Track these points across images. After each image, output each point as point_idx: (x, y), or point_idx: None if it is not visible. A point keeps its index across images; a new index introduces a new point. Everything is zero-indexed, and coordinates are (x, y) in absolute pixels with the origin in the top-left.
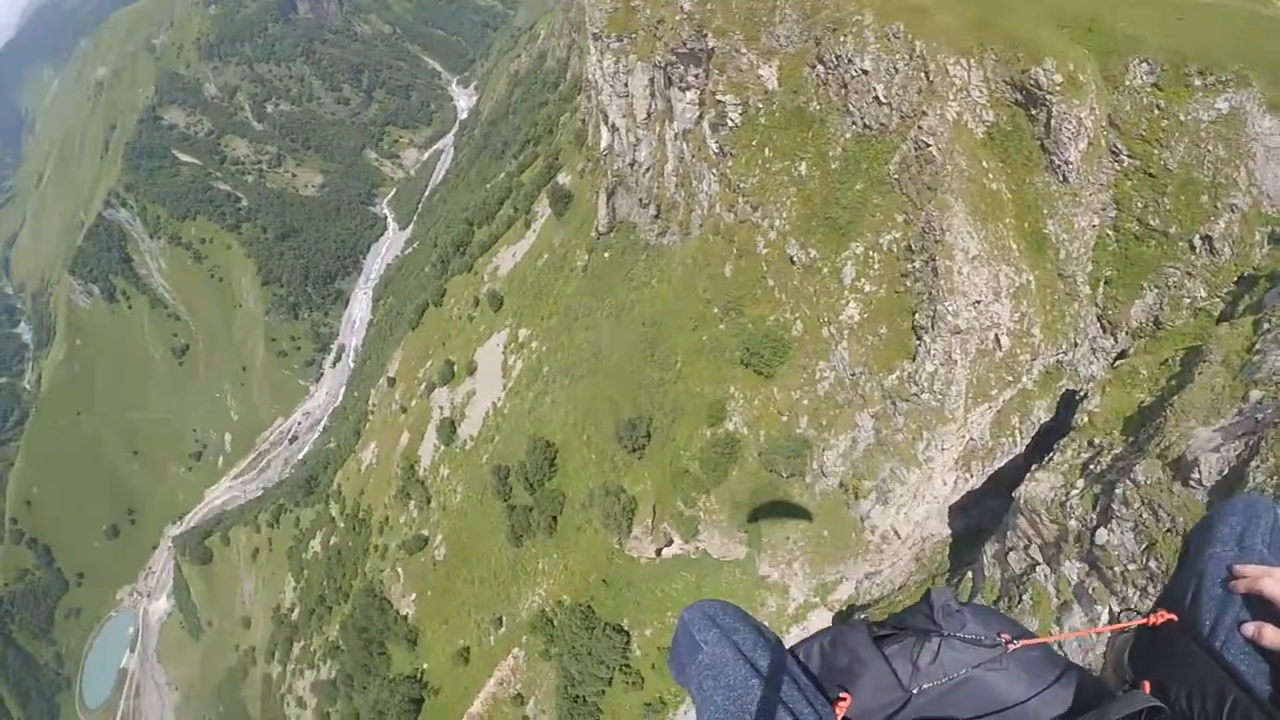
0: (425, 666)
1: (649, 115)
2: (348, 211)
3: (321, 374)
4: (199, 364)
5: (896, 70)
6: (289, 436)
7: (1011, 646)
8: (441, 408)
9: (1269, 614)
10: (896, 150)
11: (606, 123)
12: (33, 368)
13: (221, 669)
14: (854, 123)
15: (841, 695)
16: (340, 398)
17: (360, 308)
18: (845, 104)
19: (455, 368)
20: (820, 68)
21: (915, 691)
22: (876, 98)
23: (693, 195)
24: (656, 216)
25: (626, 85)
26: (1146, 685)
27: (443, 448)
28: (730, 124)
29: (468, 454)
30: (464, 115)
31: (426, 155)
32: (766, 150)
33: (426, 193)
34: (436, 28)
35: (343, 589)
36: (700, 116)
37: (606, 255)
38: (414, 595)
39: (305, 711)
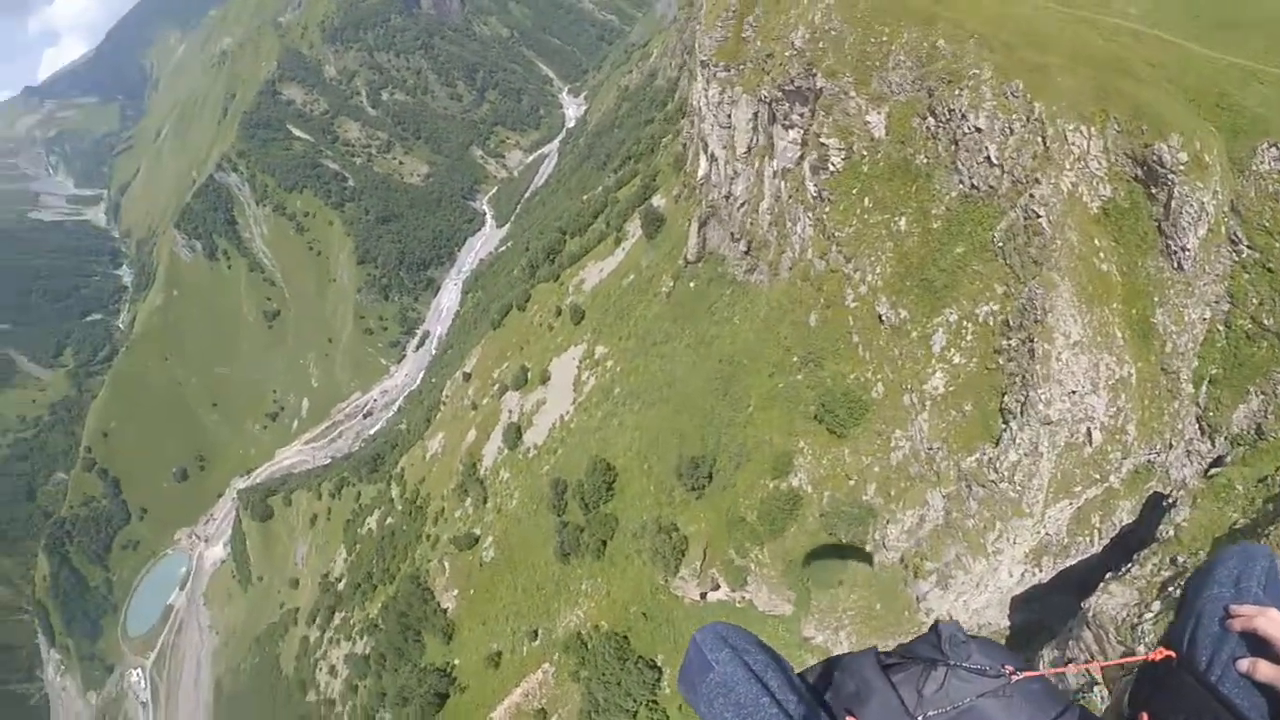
0: (456, 662)
1: (749, 149)
2: (448, 204)
3: (403, 356)
4: (288, 330)
5: (1012, 131)
6: (364, 411)
7: (1015, 678)
8: (511, 411)
9: (1263, 651)
10: (1004, 216)
11: (706, 152)
12: (129, 309)
13: (263, 623)
14: (961, 182)
15: (848, 717)
16: (418, 382)
17: (449, 297)
18: (954, 161)
19: (529, 374)
20: (931, 120)
21: (920, 718)
22: (988, 158)
23: (785, 236)
24: (747, 253)
25: (729, 117)
26: (1144, 717)
27: (506, 451)
28: (831, 169)
29: (529, 462)
30: (571, 123)
31: (530, 158)
32: (866, 200)
33: (526, 194)
34: (553, 36)
35: (390, 570)
36: (801, 157)
37: (692, 285)
38: (456, 591)
39: (335, 680)
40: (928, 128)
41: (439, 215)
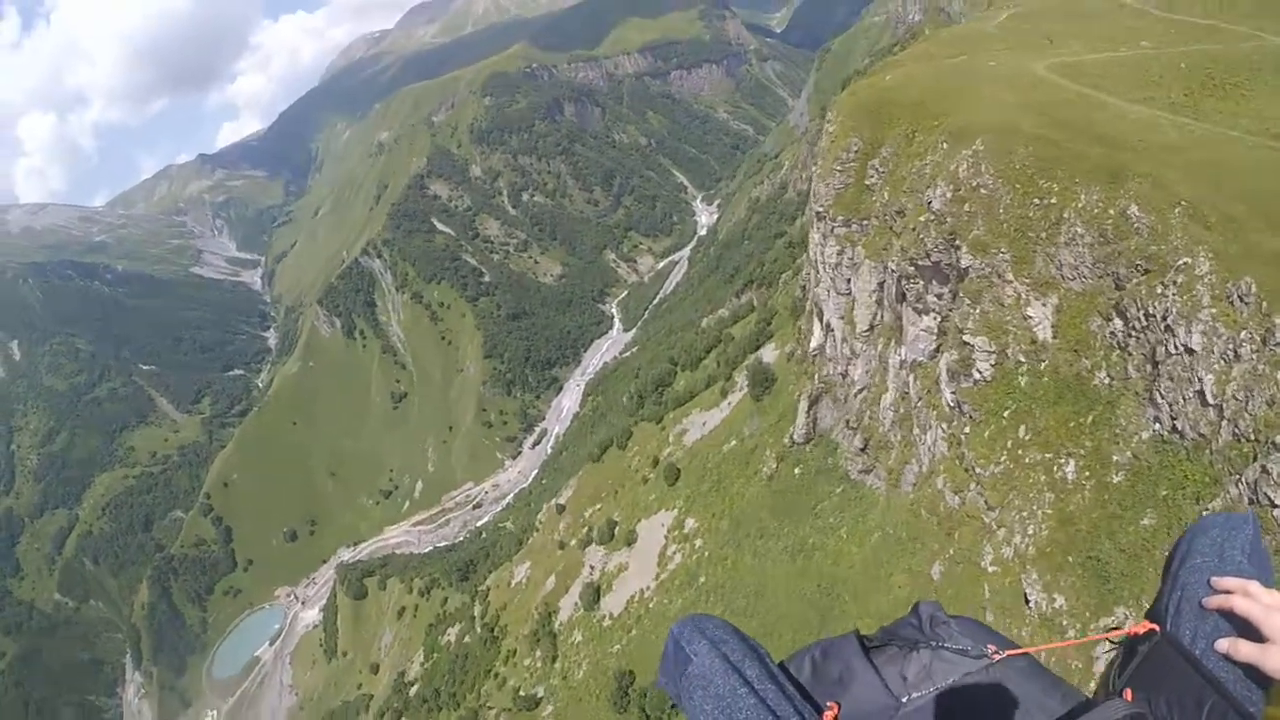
0: None
1: (872, 328)
2: (578, 305)
3: (519, 452)
4: (412, 412)
5: (1238, 357)
6: (474, 502)
7: (998, 657)
8: (592, 567)
9: (1245, 627)
10: (1218, 488)
11: (821, 318)
12: (269, 370)
13: (339, 698)
14: (1159, 420)
15: (829, 706)
16: (530, 480)
17: (571, 399)
18: (1150, 389)
19: (616, 530)
20: (1118, 323)
21: (904, 701)
22: (1201, 393)
23: (911, 445)
24: (863, 450)
25: (849, 283)
26: (1128, 693)
27: (582, 610)
28: (976, 376)
29: (603, 631)
30: (703, 231)
31: (661, 264)
32: (1021, 429)
33: (655, 301)
34: (689, 145)
35: (456, 697)
36: (937, 350)
37: (797, 471)
38: None
39: None
40: (1113, 334)
41: (568, 315)
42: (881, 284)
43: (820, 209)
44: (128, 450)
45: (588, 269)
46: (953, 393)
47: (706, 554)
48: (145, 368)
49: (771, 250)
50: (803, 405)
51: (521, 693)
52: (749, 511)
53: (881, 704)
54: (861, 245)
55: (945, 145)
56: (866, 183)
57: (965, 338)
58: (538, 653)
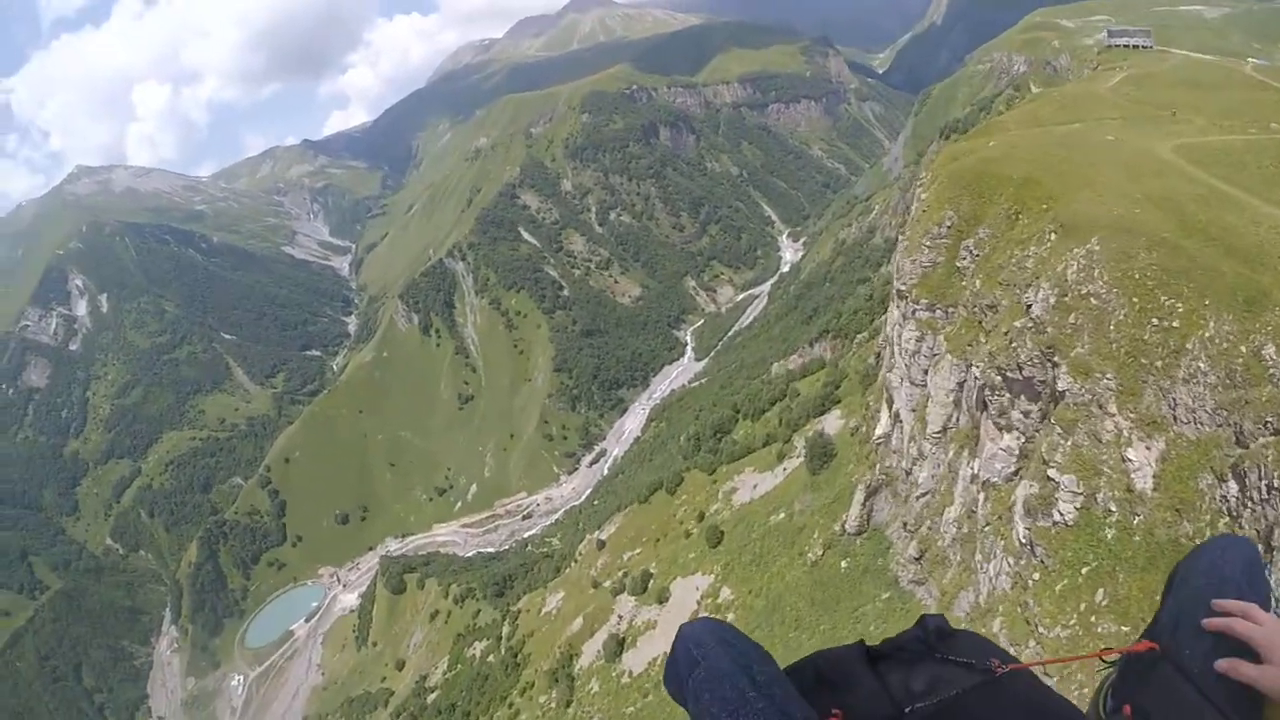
0: None
1: (944, 430)
2: (653, 329)
3: (576, 468)
4: (476, 415)
5: None
6: (525, 513)
7: (1000, 671)
8: (620, 617)
9: (1244, 649)
10: None
11: (890, 405)
12: (344, 355)
13: (361, 688)
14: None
15: (834, 712)
16: (583, 498)
17: (634, 422)
18: None
19: (650, 584)
20: (1234, 486)
21: (907, 711)
22: None
23: (971, 570)
24: (918, 560)
25: (926, 375)
26: (1128, 709)
27: (603, 660)
28: (1057, 518)
29: (620, 689)
30: (785, 268)
31: (740, 297)
32: (1100, 593)
33: (729, 333)
34: (780, 179)
35: (472, 716)
36: (1016, 474)
37: (844, 564)
38: None
39: None
40: (1225, 499)
41: (641, 338)
42: (961, 384)
43: (902, 286)
44: (198, 413)
45: (666, 293)
46: (1026, 528)
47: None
48: (226, 336)
49: (851, 299)
50: (859, 494)
51: None
52: (787, 597)
53: (884, 713)
54: (944, 337)
55: (1053, 237)
56: (957, 264)
57: (1050, 471)
58: (554, 693)
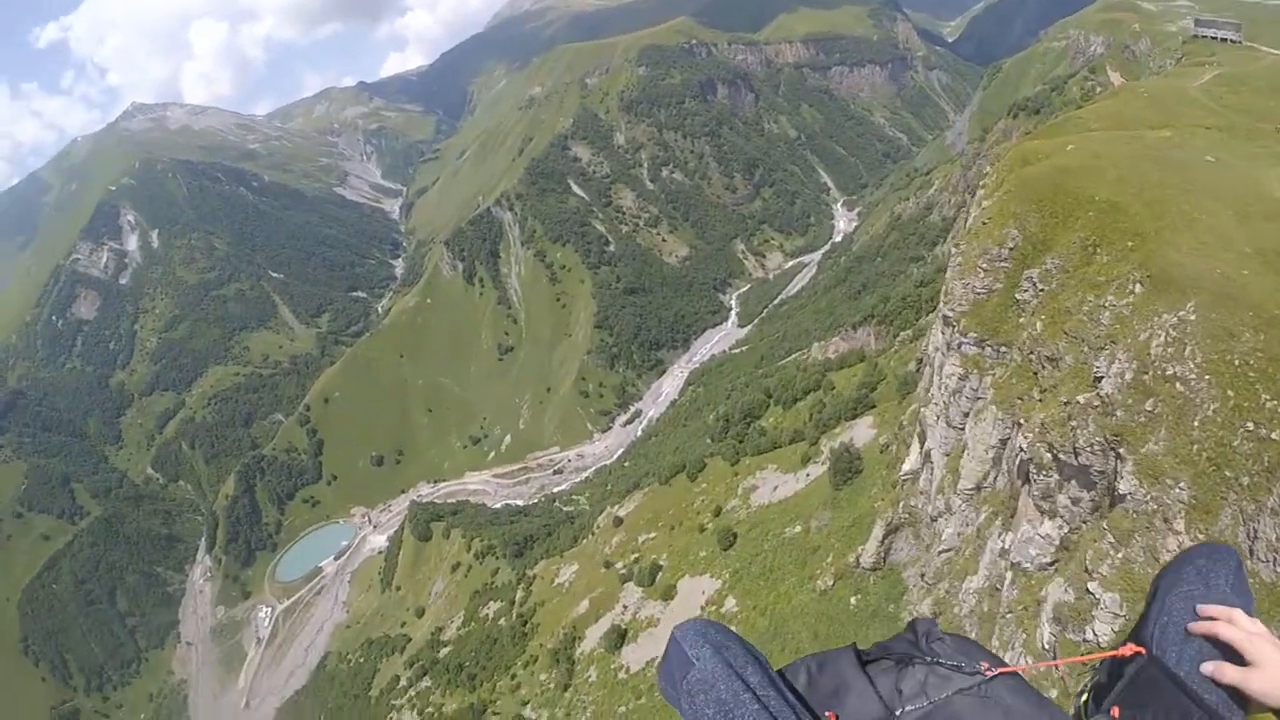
0: None
1: (978, 488)
2: (698, 290)
3: (610, 427)
4: (514, 367)
5: None
6: (556, 467)
7: (991, 674)
8: (625, 608)
9: (1229, 653)
10: None
11: (921, 441)
12: (390, 299)
13: (381, 630)
14: None
15: (826, 715)
16: (614, 457)
17: (672, 384)
18: None
19: (659, 578)
20: None
21: (898, 713)
22: None
23: (985, 647)
24: (932, 618)
25: (965, 420)
26: (1115, 711)
27: (603, 650)
28: (1090, 636)
29: (616, 684)
30: (838, 238)
31: (789, 264)
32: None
33: (775, 300)
34: (839, 144)
35: (478, 680)
36: (1051, 565)
37: (854, 601)
38: None
39: None
40: None
41: (685, 299)
42: (1004, 442)
43: (950, 312)
44: (243, 349)
45: (714, 255)
46: (1053, 634)
47: None
48: (274, 275)
49: (901, 281)
50: (878, 529)
51: (526, 712)
52: (791, 622)
53: (875, 716)
54: (992, 382)
55: (1138, 289)
56: (1017, 295)
57: (1092, 584)
58: (554, 673)
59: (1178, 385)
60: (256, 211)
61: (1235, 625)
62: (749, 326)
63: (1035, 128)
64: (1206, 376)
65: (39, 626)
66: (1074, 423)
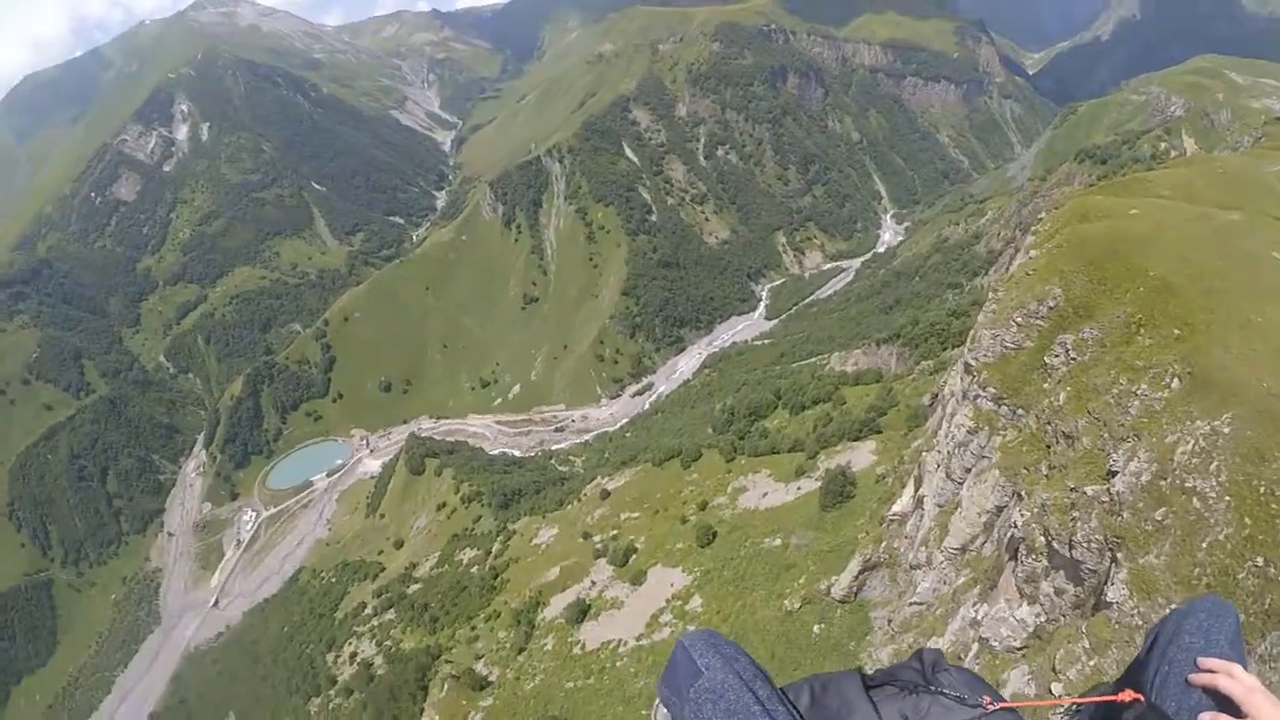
0: None
1: (963, 550)
2: (731, 275)
3: (619, 395)
4: (536, 318)
5: None
6: (559, 425)
7: (992, 708)
8: (594, 584)
9: (1226, 705)
10: None
11: (917, 484)
12: (426, 229)
13: (358, 555)
14: None
15: None
16: (618, 426)
17: (689, 364)
18: None
19: (631, 561)
20: None
21: None
22: None
23: (985, 681)
24: (890, 666)
25: (966, 475)
26: None
27: (563, 621)
28: None
29: (569, 658)
30: (881, 248)
31: (828, 266)
32: None
33: (807, 300)
34: (899, 155)
35: (439, 624)
36: (1019, 651)
37: (816, 629)
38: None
39: (344, 669)
40: None
41: (717, 282)
42: (1000, 510)
43: (973, 360)
44: (273, 254)
45: (754, 244)
46: None
47: None
48: (316, 186)
49: (935, 306)
50: (855, 563)
51: (478, 668)
52: (751, 637)
53: None
54: (1000, 444)
55: (1175, 384)
56: (1046, 359)
57: (1054, 686)
58: (510, 635)
59: (1194, 500)
60: (310, 121)
61: (1235, 679)
62: (775, 321)
63: (1100, 180)
64: (1227, 497)
65: (27, 493)
66: (1077, 513)
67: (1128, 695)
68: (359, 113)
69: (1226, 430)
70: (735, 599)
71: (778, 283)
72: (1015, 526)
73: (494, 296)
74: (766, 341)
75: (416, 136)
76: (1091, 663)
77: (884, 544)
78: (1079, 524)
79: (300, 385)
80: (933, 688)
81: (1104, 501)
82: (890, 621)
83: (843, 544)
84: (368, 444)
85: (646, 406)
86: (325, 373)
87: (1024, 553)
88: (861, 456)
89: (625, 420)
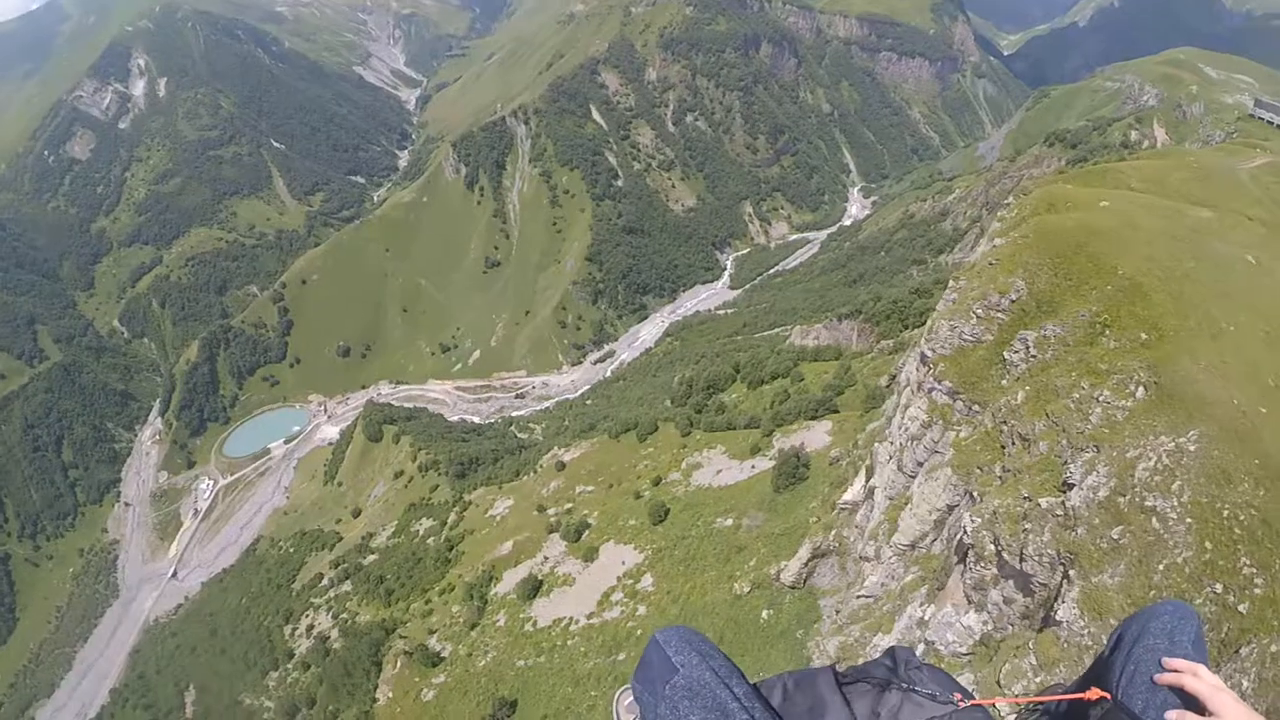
0: None
1: (913, 545)
2: (696, 244)
3: (579, 361)
4: (497, 283)
5: None
6: (519, 391)
7: (963, 705)
8: (546, 559)
9: (1190, 704)
10: None
11: (868, 475)
12: (387, 189)
13: (316, 524)
14: None
15: None
16: (578, 393)
17: (650, 332)
18: None
19: (584, 536)
20: None
21: None
22: None
23: (955, 679)
24: (835, 658)
25: (916, 471)
26: None
27: (515, 597)
28: None
29: (521, 635)
30: (848, 221)
31: (794, 237)
32: None
33: (771, 271)
34: (870, 129)
35: (394, 598)
36: (965, 657)
37: (765, 615)
38: (391, 695)
39: (301, 642)
40: None
41: (682, 250)
42: (951, 510)
43: (929, 351)
44: (230, 214)
45: (720, 212)
46: None
47: (639, 633)
48: (276, 144)
49: (899, 282)
50: (805, 550)
51: (431, 643)
52: (700, 619)
53: None
54: (954, 441)
55: (1140, 394)
56: (1005, 354)
57: (1000, 703)
58: (463, 611)
59: (1154, 520)
60: (270, 76)
61: (1200, 679)
62: (739, 291)
63: (1070, 166)
64: (1188, 519)
65: None
66: (1029, 525)
67: (1094, 693)
68: (321, 69)
69: (1192, 448)
70: (685, 579)
71: (743, 252)
72: (965, 532)
73: (455, 260)
74: (729, 311)
75: (380, 94)
76: (1038, 679)
77: (834, 532)
78: (1031, 536)
79: (257, 350)
80: (904, 685)
81: (1058, 515)
82: (838, 611)
83: (794, 527)
84: (326, 410)
85: (608, 374)
86: (283, 337)
87: (973, 559)
88: (816, 436)
89: (586, 387)
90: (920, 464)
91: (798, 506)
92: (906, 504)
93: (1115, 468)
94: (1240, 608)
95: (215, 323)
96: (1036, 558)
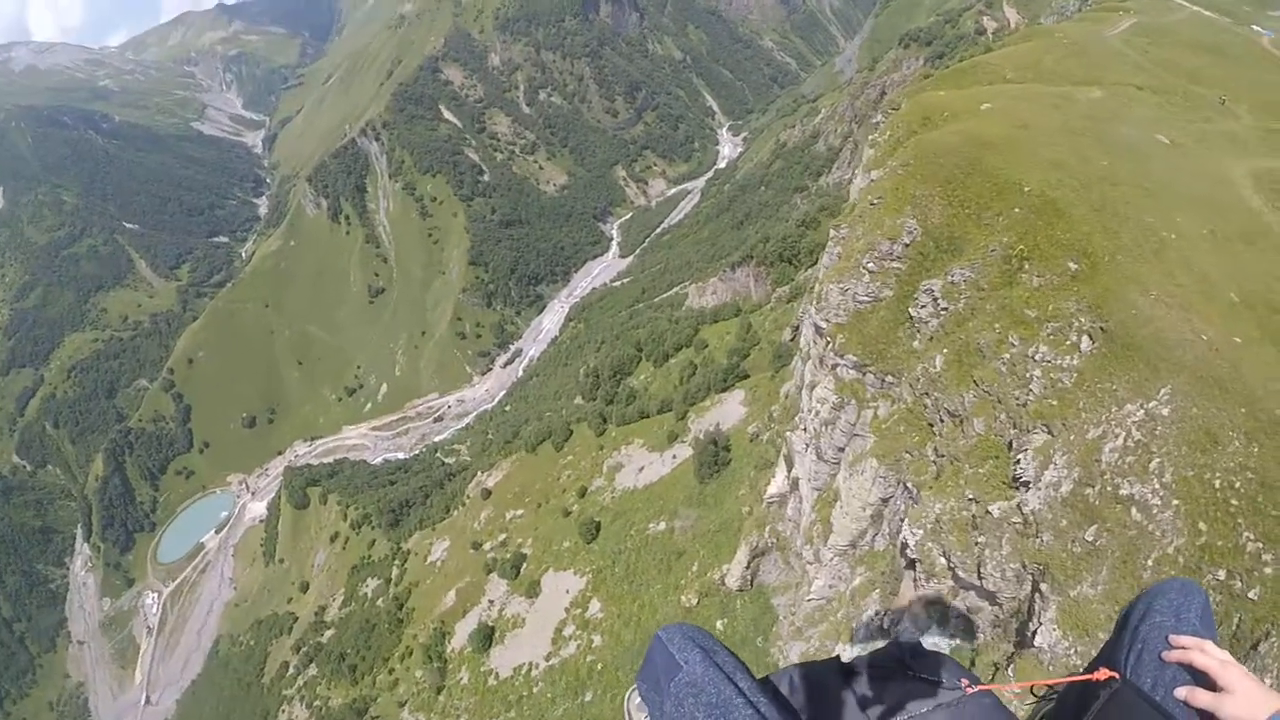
0: None
1: (853, 544)
2: (578, 220)
3: (489, 369)
4: (386, 310)
5: None
6: (436, 415)
7: (970, 691)
8: (491, 603)
9: (1199, 680)
10: None
11: (789, 464)
12: (254, 241)
13: (269, 608)
14: None
15: None
16: (495, 401)
17: (552, 320)
18: None
19: (523, 569)
20: None
21: None
22: None
23: (962, 665)
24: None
25: (838, 456)
26: None
27: (471, 650)
28: None
29: (488, 690)
30: (722, 164)
31: (673, 191)
32: None
33: (657, 230)
34: (725, 68)
35: (359, 672)
36: None
37: (720, 625)
38: None
39: None
40: None
41: (565, 230)
42: (887, 501)
43: (822, 322)
44: (100, 312)
45: (594, 183)
46: None
47: (599, 667)
48: (129, 226)
49: (782, 218)
50: (743, 552)
51: (404, 714)
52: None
53: None
54: (871, 420)
55: (1085, 343)
56: (911, 310)
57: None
58: (422, 675)
59: (1133, 511)
60: (106, 157)
61: (1208, 654)
62: (630, 257)
63: (932, 67)
64: (1175, 501)
65: None
66: (982, 537)
67: (1103, 674)
68: (158, 134)
69: (1165, 412)
70: (632, 599)
71: (626, 218)
72: (909, 546)
73: (338, 297)
74: (626, 280)
75: (224, 145)
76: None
77: (768, 528)
78: (988, 551)
79: (162, 445)
80: (910, 672)
81: (1015, 522)
82: (793, 613)
83: (728, 521)
84: (248, 487)
85: (520, 374)
86: (184, 424)
87: (923, 574)
88: (731, 410)
89: (502, 393)
90: (841, 450)
91: (726, 496)
92: (836, 500)
93: (1076, 454)
94: (1250, 594)
95: (113, 429)
96: (998, 574)
